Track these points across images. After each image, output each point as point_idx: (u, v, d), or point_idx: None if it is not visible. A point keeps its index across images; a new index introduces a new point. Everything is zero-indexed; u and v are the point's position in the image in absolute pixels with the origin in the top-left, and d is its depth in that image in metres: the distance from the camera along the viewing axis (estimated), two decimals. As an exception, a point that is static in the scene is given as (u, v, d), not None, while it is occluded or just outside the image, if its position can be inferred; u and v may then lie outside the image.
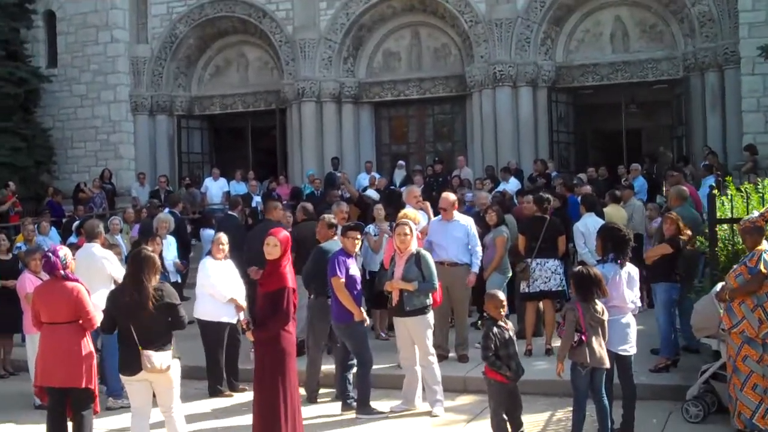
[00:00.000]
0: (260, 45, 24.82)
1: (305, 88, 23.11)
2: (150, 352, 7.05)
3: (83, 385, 7.63)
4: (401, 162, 22.50)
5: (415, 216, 10.04)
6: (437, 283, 9.15)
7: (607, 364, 7.47)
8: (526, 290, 11.22)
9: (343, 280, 8.98)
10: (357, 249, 9.53)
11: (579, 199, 13.63)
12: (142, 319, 7.09)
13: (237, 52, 25.37)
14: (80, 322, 7.71)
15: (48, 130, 24.63)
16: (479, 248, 11.11)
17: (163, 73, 24.99)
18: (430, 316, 9.15)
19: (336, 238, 10.11)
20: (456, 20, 22.32)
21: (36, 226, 15.65)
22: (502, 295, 7.59)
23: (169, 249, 12.95)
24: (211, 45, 25.36)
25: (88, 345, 7.77)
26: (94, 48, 24.70)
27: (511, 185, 19.09)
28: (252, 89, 25.09)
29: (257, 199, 20.43)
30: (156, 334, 7.15)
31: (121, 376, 7.39)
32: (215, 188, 22.31)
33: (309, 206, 12.43)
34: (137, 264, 7.28)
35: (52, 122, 24.91)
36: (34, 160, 23.68)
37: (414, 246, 9.18)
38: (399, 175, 21.72)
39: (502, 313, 7.55)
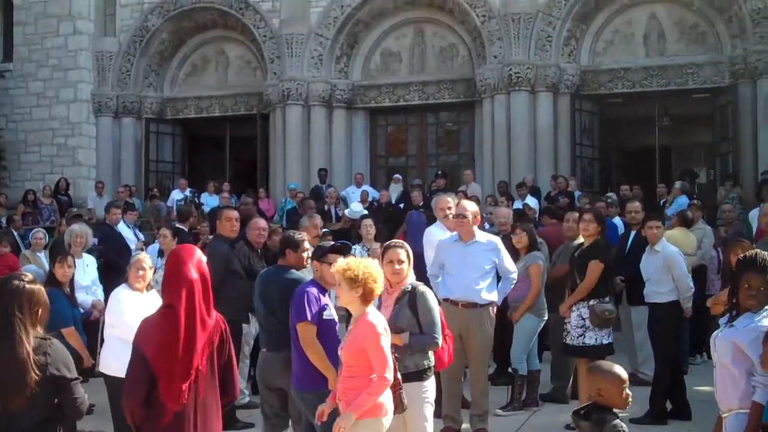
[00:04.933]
0: (242, 41, 21.90)
1: (291, 90, 20.15)
2: None
3: None
4: (397, 176, 19.57)
5: None
6: (440, 336, 6.03)
7: None
8: (579, 342, 8.17)
9: (315, 326, 5.95)
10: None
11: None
12: (9, 401, 4.33)
13: (216, 49, 22.42)
14: None
15: (-2, 132, 21.67)
16: (514, 275, 8.07)
17: (132, 70, 22.05)
18: (430, 384, 6.03)
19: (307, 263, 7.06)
20: (466, 15, 19.42)
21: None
22: (624, 373, 4.47)
23: (86, 272, 9.81)
24: (187, 41, 22.42)
25: None
26: (54, 40, 21.86)
27: (530, 204, 16.17)
28: (231, 91, 22.12)
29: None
30: (30, 427, 4.39)
31: None
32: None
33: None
34: (2, 304, 4.47)
35: (5, 123, 22.01)
36: (-22, 164, 20.71)
37: (410, 279, 6.11)
38: (395, 190, 18.75)
39: (629, 400, 4.43)
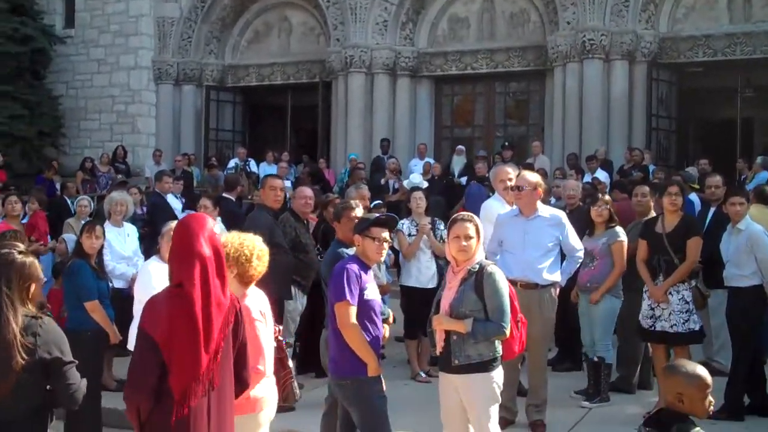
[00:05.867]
0: (305, 7, 21.27)
1: (354, 57, 19.46)
2: None
3: None
4: (460, 147, 18.57)
5: None
6: (508, 324, 5.31)
7: None
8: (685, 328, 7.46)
9: (354, 306, 5.31)
10: (383, 257, 5.85)
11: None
12: None
13: (278, 16, 21.83)
14: None
15: (57, 98, 21.46)
16: (580, 254, 7.37)
17: (193, 37, 21.64)
18: (497, 376, 5.37)
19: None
20: (538, -21, 18.53)
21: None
22: (708, 376, 3.82)
23: (127, 242, 9.27)
24: (249, 6, 21.90)
25: None
26: (115, 6, 21.59)
27: (599, 178, 15.32)
28: (294, 58, 21.53)
29: (287, 185, 16.99)
30: (15, 417, 3.92)
31: None
32: (241, 171, 18.84)
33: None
34: None
35: (65, 89, 21.86)
36: (37, 130, 20.46)
37: (479, 257, 5.42)
38: (458, 162, 17.96)
39: (710, 408, 3.77)
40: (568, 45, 17.85)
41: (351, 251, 6.28)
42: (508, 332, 5.27)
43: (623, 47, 17.67)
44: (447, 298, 5.38)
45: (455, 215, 5.59)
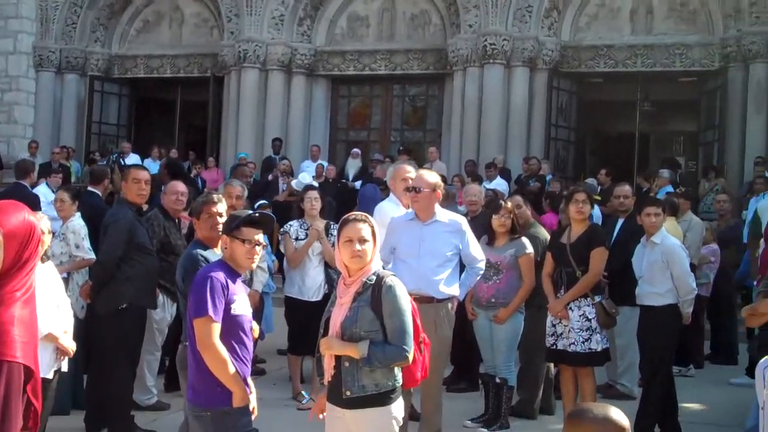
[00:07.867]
0: (199, -4, 20.31)
1: (248, 51, 18.58)
2: None
3: None
4: (356, 150, 18.00)
5: None
6: (411, 348, 4.39)
7: None
8: (584, 348, 6.87)
9: (218, 323, 4.41)
10: (255, 263, 4.95)
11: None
12: None
13: (170, 5, 20.75)
14: None
15: (-73, 83, 19.92)
16: (482, 264, 6.64)
17: (78, 23, 20.44)
18: (397, 408, 4.44)
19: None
20: (441, -20, 17.97)
21: None
22: (625, 419, 2.89)
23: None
24: (139, -7, 20.79)
25: None
26: (-7, -13, 20.09)
27: (497, 187, 14.79)
28: (185, 51, 20.49)
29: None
30: None
31: None
32: (124, 166, 17.74)
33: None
34: None
35: (-64, 75, 20.26)
36: None
37: (375, 266, 4.51)
38: (353, 165, 17.37)
39: None
40: (469, 49, 17.36)
41: (208, 253, 5.43)
42: (411, 357, 4.38)
43: (525, 53, 17.27)
44: (338, 315, 4.44)
45: (346, 216, 4.60)
